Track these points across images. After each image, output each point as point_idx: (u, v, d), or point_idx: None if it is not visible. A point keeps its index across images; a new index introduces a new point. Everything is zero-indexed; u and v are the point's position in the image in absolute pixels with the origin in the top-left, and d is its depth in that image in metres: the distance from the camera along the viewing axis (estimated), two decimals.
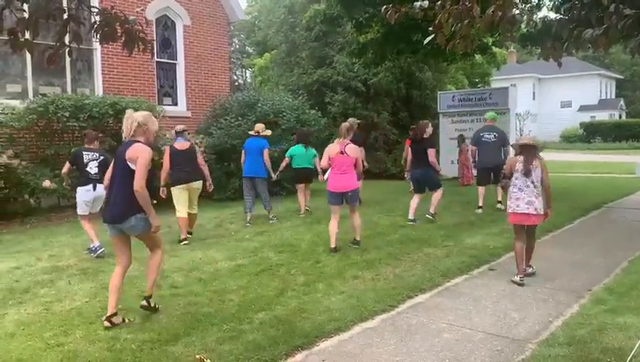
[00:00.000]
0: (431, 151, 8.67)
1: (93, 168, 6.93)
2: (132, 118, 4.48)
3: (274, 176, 9.34)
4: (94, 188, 6.91)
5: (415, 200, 8.94)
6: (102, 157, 6.99)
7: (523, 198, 5.60)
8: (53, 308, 4.91)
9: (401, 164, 13.82)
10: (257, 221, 9.08)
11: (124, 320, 4.48)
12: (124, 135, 4.50)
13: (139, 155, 4.33)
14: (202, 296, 5.18)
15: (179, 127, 8.15)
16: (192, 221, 8.01)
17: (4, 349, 3.99)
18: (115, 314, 4.42)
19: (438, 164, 9.54)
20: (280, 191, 12.62)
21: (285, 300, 5.05)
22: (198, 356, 3.77)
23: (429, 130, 8.90)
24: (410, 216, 8.85)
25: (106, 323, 4.37)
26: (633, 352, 3.38)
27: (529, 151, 5.66)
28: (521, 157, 5.69)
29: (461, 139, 14.84)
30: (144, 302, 4.61)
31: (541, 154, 5.79)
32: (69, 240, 7.94)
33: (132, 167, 4.33)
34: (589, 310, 4.68)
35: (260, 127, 9.33)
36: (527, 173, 5.57)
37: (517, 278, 5.66)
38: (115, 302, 4.45)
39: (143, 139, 4.48)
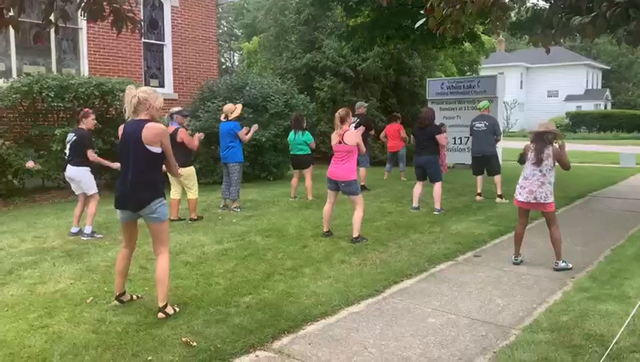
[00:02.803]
0: (441, 137, 8.69)
1: (67, 149, 6.89)
2: (132, 94, 4.17)
3: (248, 135, 8.70)
4: (65, 168, 6.92)
5: (418, 187, 8.93)
6: (75, 137, 6.83)
7: (525, 187, 5.64)
8: (37, 289, 4.86)
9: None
10: (245, 205, 9.05)
11: (132, 298, 4.52)
12: (126, 113, 4.23)
13: (161, 139, 4.12)
14: (189, 279, 5.17)
15: (172, 110, 8.07)
16: (190, 206, 7.87)
17: None
18: (123, 293, 4.46)
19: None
20: (268, 176, 12.60)
21: (272, 284, 5.05)
22: (184, 339, 3.76)
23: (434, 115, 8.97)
24: (415, 204, 8.88)
25: (115, 302, 4.41)
26: (615, 339, 3.44)
27: (541, 139, 5.60)
28: (532, 145, 5.65)
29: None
30: (161, 315, 4.17)
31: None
32: (53, 221, 7.86)
33: (152, 150, 4.10)
34: (572, 297, 4.74)
35: (228, 108, 8.77)
36: (537, 163, 5.57)
37: (512, 258, 5.89)
38: (122, 283, 4.46)
39: (147, 117, 4.19)
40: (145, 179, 4.16)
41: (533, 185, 5.59)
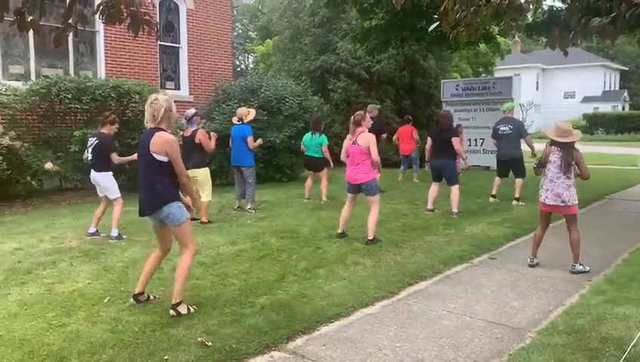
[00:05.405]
0: (456, 140, 8.58)
1: (89, 154, 6.94)
2: (159, 104, 4.21)
3: (256, 143, 8.82)
4: (89, 172, 7.00)
5: (434, 189, 8.87)
6: (96, 142, 6.87)
7: (552, 190, 5.57)
8: (55, 289, 4.93)
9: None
10: (259, 206, 9.09)
11: (148, 298, 4.58)
12: (147, 121, 4.27)
13: (167, 149, 4.14)
14: (204, 279, 5.20)
15: (187, 113, 8.10)
16: (202, 208, 7.79)
17: (8, 329, 4.01)
18: (141, 294, 4.54)
19: None
20: (282, 177, 12.63)
21: (286, 285, 5.07)
22: (199, 339, 3.79)
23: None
24: (429, 206, 8.83)
25: (132, 301, 4.49)
26: (633, 342, 3.40)
27: (566, 145, 5.50)
28: (556, 149, 5.57)
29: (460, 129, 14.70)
30: (172, 312, 4.24)
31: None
32: (70, 222, 7.95)
33: (159, 158, 4.17)
34: (589, 300, 4.69)
35: (242, 112, 8.81)
36: (562, 166, 5.48)
37: (528, 260, 5.88)
38: (144, 283, 4.55)
39: (165, 125, 4.26)
40: (151, 185, 4.25)
41: (559, 187, 5.51)
